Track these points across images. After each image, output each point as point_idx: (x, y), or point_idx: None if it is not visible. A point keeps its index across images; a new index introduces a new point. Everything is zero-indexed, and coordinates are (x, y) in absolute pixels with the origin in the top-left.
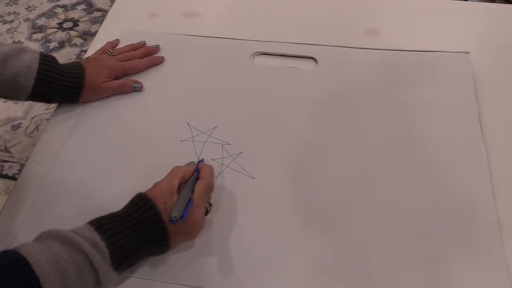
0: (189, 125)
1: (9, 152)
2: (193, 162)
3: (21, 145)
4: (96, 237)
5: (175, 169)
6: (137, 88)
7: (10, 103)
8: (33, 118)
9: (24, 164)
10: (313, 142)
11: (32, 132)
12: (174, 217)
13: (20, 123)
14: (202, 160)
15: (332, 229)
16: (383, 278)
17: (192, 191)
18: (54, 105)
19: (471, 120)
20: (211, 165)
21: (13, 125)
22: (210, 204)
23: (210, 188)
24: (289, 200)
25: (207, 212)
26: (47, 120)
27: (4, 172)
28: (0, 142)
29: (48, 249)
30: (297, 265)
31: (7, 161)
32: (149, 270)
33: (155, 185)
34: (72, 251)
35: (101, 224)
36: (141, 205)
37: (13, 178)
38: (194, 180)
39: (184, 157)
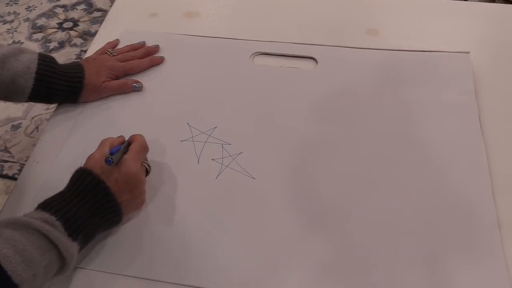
0: (189, 125)
1: (9, 152)
2: (122, 136)
3: (21, 145)
4: (44, 215)
5: (103, 140)
6: (137, 88)
7: (10, 103)
8: (33, 118)
9: (24, 164)
10: (313, 142)
11: (32, 132)
12: (108, 157)
13: (20, 123)
14: None
15: (332, 229)
16: (383, 278)
17: (125, 152)
18: (54, 105)
19: (471, 120)
20: (140, 134)
21: (13, 125)
22: (149, 165)
23: (144, 147)
24: (289, 200)
25: (147, 173)
26: (47, 120)
27: (4, 172)
28: (0, 142)
29: (1, 238)
30: (297, 265)
31: (7, 161)
32: (149, 270)
33: (88, 158)
34: (26, 233)
35: (47, 203)
36: (79, 175)
37: (13, 178)
38: (127, 145)
39: (184, 157)
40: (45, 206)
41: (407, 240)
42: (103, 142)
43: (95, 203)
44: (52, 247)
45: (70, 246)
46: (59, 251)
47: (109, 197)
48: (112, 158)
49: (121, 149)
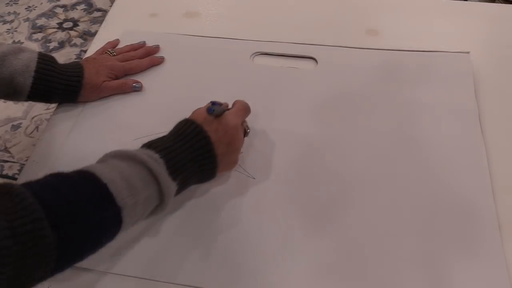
0: None
1: (9, 152)
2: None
3: (21, 145)
4: (149, 152)
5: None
6: (137, 88)
7: (10, 103)
8: (33, 118)
9: (24, 164)
10: (313, 142)
11: (32, 132)
12: (210, 107)
13: (20, 123)
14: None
15: (332, 229)
16: (383, 278)
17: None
18: (54, 105)
19: (471, 120)
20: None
21: (13, 125)
22: (248, 127)
23: (247, 107)
24: (289, 200)
25: (245, 134)
26: (47, 120)
27: (4, 172)
28: (0, 142)
29: (109, 165)
30: (297, 265)
31: (7, 161)
32: (149, 270)
33: (193, 111)
34: (132, 164)
35: (151, 143)
36: (183, 124)
37: (13, 178)
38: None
39: None
40: (149, 145)
41: (407, 240)
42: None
43: (196, 149)
44: (154, 181)
45: (170, 184)
46: (160, 186)
47: (209, 146)
48: (213, 108)
49: (223, 106)
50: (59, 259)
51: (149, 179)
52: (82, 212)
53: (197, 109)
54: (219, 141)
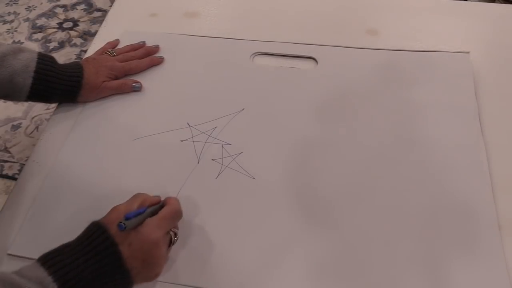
0: (189, 125)
1: (9, 152)
2: (158, 196)
3: (21, 145)
4: (41, 273)
5: (136, 194)
6: (137, 88)
7: (10, 103)
8: (33, 118)
9: (24, 164)
10: (313, 142)
11: (32, 132)
12: (121, 222)
13: (20, 123)
14: None
15: (332, 230)
16: (383, 279)
17: (154, 214)
18: (54, 105)
19: (471, 120)
20: (176, 197)
21: (13, 125)
22: (175, 234)
23: (176, 214)
24: (289, 200)
25: (171, 243)
26: (47, 120)
27: (4, 172)
28: (0, 142)
29: None
30: (297, 265)
31: (7, 161)
32: None
33: (112, 209)
34: None
35: (49, 258)
36: (93, 231)
37: (13, 178)
38: (158, 207)
39: (184, 157)
40: (46, 260)
41: (407, 240)
42: (135, 197)
43: (103, 266)
44: None
45: None
46: None
47: (119, 262)
48: (124, 224)
49: (144, 214)
50: None
51: None
52: None
53: (116, 208)
54: (133, 257)
